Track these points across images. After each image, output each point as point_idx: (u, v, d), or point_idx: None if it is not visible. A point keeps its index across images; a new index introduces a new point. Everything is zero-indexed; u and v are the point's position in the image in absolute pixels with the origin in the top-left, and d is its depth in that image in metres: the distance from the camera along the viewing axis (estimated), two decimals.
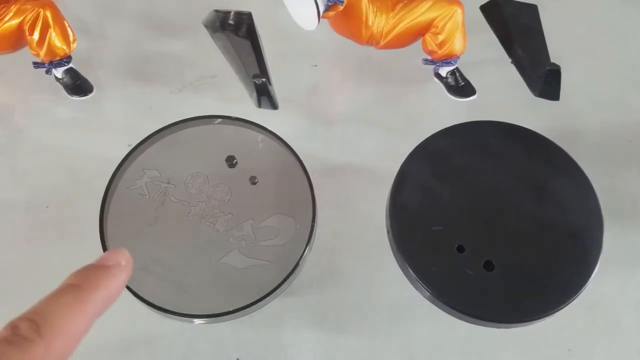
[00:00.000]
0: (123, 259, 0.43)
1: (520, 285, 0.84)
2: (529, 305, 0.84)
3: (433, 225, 0.88)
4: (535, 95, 1.10)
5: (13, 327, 0.37)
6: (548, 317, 0.84)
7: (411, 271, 0.84)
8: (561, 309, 0.84)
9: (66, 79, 1.08)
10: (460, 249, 0.86)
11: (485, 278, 0.84)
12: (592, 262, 0.86)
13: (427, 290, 0.83)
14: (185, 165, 0.92)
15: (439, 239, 0.87)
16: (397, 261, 0.88)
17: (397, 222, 0.88)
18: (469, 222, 0.88)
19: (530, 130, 0.96)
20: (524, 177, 0.92)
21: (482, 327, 0.90)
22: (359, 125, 1.09)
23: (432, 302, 0.85)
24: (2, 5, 1.01)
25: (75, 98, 1.08)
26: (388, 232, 0.90)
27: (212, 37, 1.13)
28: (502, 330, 0.91)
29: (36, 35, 1.02)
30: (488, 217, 0.89)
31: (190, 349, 0.90)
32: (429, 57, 1.10)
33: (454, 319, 0.86)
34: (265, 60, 1.09)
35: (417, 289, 0.86)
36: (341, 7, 1.03)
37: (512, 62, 1.15)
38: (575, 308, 0.93)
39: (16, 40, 1.04)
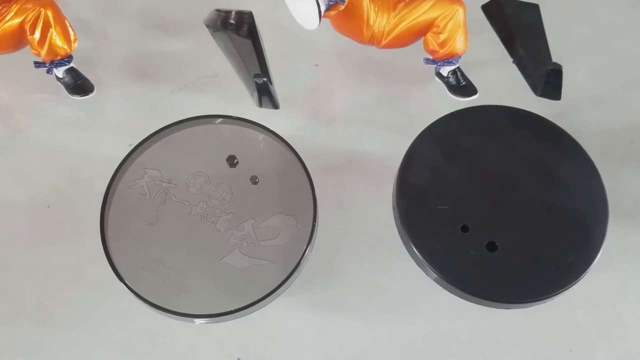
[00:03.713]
0: None
1: (522, 267, 0.85)
2: (529, 287, 0.85)
3: (439, 204, 0.89)
4: (537, 95, 1.10)
5: None
6: (548, 299, 0.85)
7: (414, 248, 0.85)
8: (562, 292, 0.84)
9: (67, 79, 1.08)
10: (465, 228, 0.88)
11: (488, 258, 0.85)
12: (595, 247, 0.86)
13: (429, 267, 0.84)
14: (186, 164, 0.93)
15: (444, 218, 0.88)
16: (402, 238, 0.89)
17: (404, 200, 0.89)
18: (474, 203, 0.89)
19: (538, 115, 0.97)
20: (530, 161, 0.93)
21: (484, 325, 0.90)
22: (360, 124, 1.09)
23: (435, 281, 0.86)
24: (3, 5, 1.01)
25: (76, 97, 1.08)
26: (394, 208, 0.91)
27: (213, 36, 1.13)
28: (505, 331, 0.92)
29: (37, 35, 1.02)
30: (493, 198, 0.90)
31: (190, 349, 0.90)
32: (430, 57, 1.10)
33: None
34: (266, 60, 1.09)
35: (419, 266, 0.87)
36: (342, 7, 1.03)
37: (513, 62, 1.15)
38: (576, 308, 0.93)
39: (17, 39, 1.04)
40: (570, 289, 0.85)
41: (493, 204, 0.90)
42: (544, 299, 0.86)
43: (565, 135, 0.95)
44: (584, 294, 0.92)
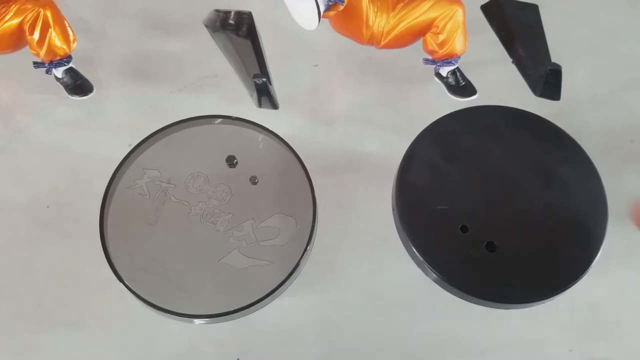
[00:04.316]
0: None
1: (522, 267, 0.86)
2: (529, 287, 0.85)
3: (438, 204, 0.89)
4: (536, 95, 1.10)
5: None
6: (548, 300, 0.85)
7: (414, 249, 0.86)
8: (562, 292, 0.84)
9: (66, 79, 1.08)
10: (464, 228, 0.88)
11: (487, 258, 0.86)
12: (594, 247, 0.86)
13: (429, 267, 0.84)
14: (185, 165, 0.93)
15: (444, 218, 0.88)
16: (401, 239, 0.89)
17: (403, 200, 0.90)
18: (473, 204, 0.90)
19: (537, 115, 0.97)
20: (529, 162, 0.93)
21: (484, 325, 0.91)
22: (360, 125, 1.09)
23: (434, 281, 0.86)
24: (2, 5, 1.01)
25: (76, 98, 1.08)
26: (393, 209, 0.91)
27: (212, 36, 1.13)
28: (505, 331, 0.92)
29: (36, 35, 1.02)
30: (493, 199, 0.90)
31: (190, 349, 0.90)
32: (430, 57, 1.10)
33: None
34: (265, 60, 1.09)
35: (419, 266, 0.87)
36: (342, 7, 1.03)
37: (513, 62, 1.15)
38: (576, 308, 0.93)
39: (16, 39, 1.04)
40: (570, 289, 0.85)
41: (493, 204, 0.90)
42: (544, 299, 0.86)
43: (565, 135, 0.95)
44: (584, 294, 0.92)
